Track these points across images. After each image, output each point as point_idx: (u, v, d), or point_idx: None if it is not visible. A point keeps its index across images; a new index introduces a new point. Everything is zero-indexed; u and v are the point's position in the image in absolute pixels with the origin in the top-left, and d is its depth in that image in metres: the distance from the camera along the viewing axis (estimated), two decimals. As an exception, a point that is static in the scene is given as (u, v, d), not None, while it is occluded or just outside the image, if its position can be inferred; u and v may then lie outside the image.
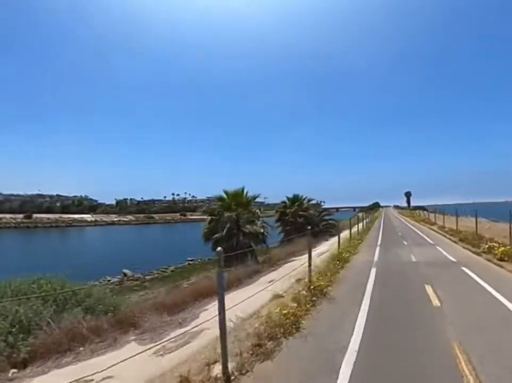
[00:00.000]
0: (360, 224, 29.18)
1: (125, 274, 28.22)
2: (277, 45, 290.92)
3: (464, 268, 9.94)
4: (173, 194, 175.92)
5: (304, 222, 29.85)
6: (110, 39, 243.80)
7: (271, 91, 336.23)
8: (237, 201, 19.68)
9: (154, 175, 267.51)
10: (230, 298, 5.33)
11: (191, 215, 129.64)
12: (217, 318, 3.65)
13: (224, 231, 18.21)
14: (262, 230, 19.14)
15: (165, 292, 12.32)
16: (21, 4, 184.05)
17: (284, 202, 32.06)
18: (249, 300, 5.98)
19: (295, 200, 31.33)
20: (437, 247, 15.55)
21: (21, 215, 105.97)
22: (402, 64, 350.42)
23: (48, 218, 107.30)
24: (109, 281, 25.80)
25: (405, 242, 18.27)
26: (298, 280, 8.58)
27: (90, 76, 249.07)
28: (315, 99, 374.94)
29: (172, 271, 28.28)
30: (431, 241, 18.49)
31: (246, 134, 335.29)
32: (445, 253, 13.56)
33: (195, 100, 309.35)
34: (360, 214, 43.90)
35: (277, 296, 7.25)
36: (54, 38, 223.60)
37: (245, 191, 20.77)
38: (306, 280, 7.83)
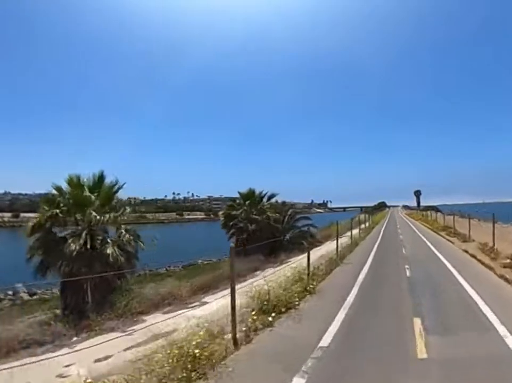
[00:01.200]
0: (352, 232, 19.96)
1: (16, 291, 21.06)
2: (276, 45, 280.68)
3: None
4: (173, 193, 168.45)
5: (257, 228, 20.35)
6: (111, 40, 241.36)
7: (274, 93, 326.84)
8: (76, 199, 10.72)
9: (159, 174, 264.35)
10: None
11: (188, 214, 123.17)
12: None
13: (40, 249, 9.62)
14: (109, 251, 9.88)
15: None
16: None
17: (233, 200, 22.41)
18: None
19: (249, 197, 21.63)
20: None
21: (9, 214, 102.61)
22: (406, 63, 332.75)
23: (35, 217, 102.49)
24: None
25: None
26: None
27: (94, 77, 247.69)
28: (319, 99, 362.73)
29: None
30: None
31: (249, 134, 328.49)
32: None
33: (197, 101, 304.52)
34: (362, 216, 35.40)
35: None
36: (55, 38, 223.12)
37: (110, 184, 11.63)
38: None
